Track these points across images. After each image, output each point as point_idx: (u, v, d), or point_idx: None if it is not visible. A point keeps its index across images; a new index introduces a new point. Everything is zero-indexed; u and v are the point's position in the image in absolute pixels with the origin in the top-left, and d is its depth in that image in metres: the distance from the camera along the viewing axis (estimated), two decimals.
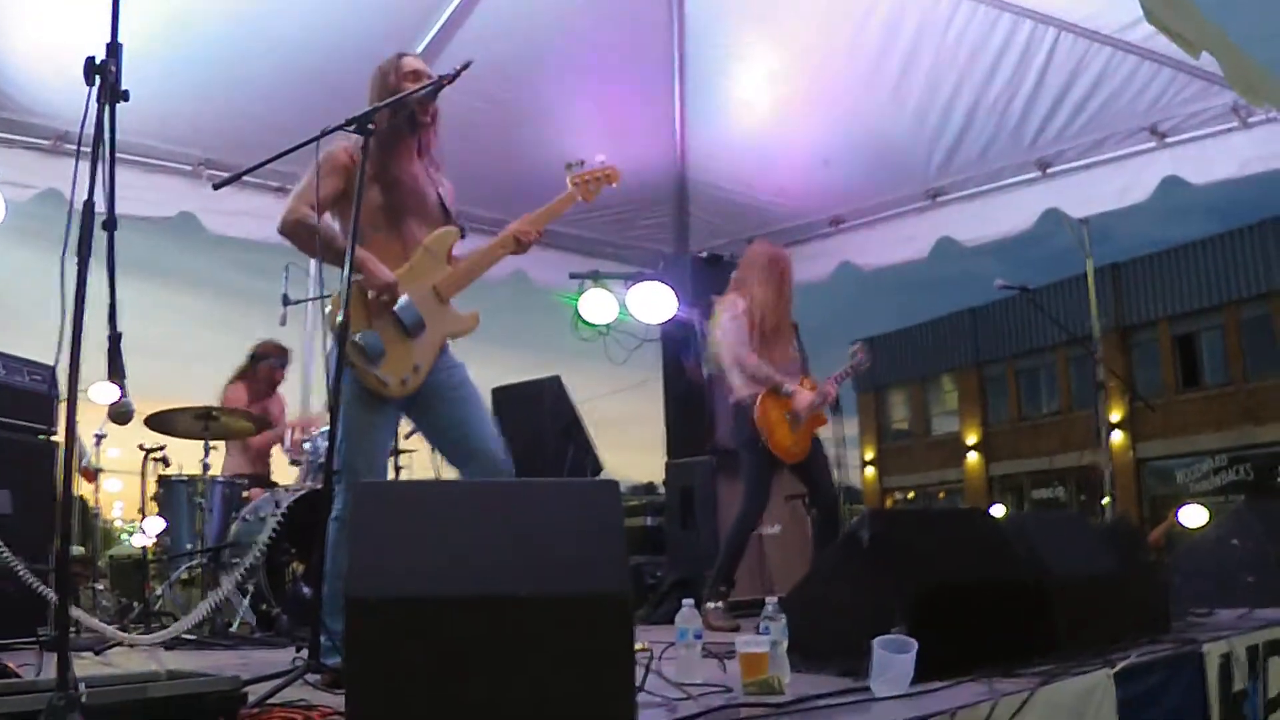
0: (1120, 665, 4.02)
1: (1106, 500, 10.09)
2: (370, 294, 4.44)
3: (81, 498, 9.45)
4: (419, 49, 7.53)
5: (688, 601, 4.12)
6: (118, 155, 7.32)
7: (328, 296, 4.67)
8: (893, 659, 3.53)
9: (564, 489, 3.27)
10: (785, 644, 3.95)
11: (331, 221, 4.60)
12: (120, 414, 2.94)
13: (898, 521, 5.30)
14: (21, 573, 4.23)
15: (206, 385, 8.65)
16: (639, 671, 3.11)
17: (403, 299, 4.54)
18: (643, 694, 3.38)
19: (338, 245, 4.44)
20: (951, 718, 3.14)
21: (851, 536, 4.42)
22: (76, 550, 9.83)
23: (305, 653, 3.84)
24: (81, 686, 2.43)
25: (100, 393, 8.67)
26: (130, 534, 7.68)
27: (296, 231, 4.52)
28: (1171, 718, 4.39)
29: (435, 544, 2.90)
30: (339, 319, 4.11)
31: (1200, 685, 4.65)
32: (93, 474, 9.04)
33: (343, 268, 4.36)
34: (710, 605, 6.72)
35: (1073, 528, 5.60)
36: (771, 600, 4.11)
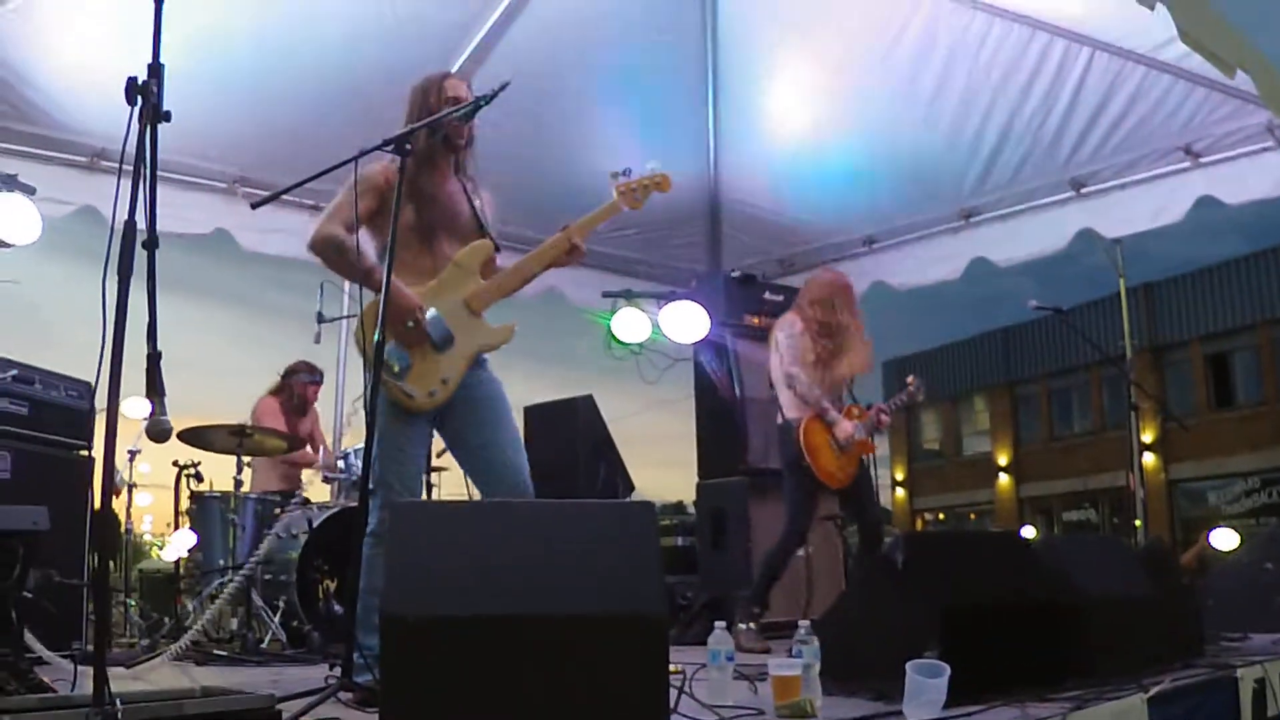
0: (1154, 690, 4.00)
1: (1139, 522, 10.02)
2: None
3: (113, 513, 9.49)
4: (454, 68, 7.57)
5: (720, 623, 4.10)
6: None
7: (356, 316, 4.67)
8: (926, 683, 3.52)
9: (601, 509, 3.27)
10: (818, 667, 3.94)
11: (367, 240, 4.63)
12: (159, 432, 2.95)
13: (931, 544, 5.28)
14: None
15: (240, 401, 8.73)
16: (672, 693, 3.10)
17: (431, 313, 4.53)
18: (676, 716, 3.37)
19: (364, 266, 4.47)
20: None
21: (885, 559, 4.42)
22: None
23: (338, 670, 3.85)
24: (118, 703, 2.45)
25: (133, 407, 8.73)
26: (160, 548, 7.72)
27: (325, 250, 4.54)
28: None
29: (472, 563, 2.91)
30: (375, 338, 4.11)
31: (1234, 710, 4.63)
32: (123, 489, 9.10)
33: (367, 287, 4.39)
34: (742, 626, 6.72)
35: (1106, 551, 5.57)
36: (804, 623, 4.10)
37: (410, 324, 4.44)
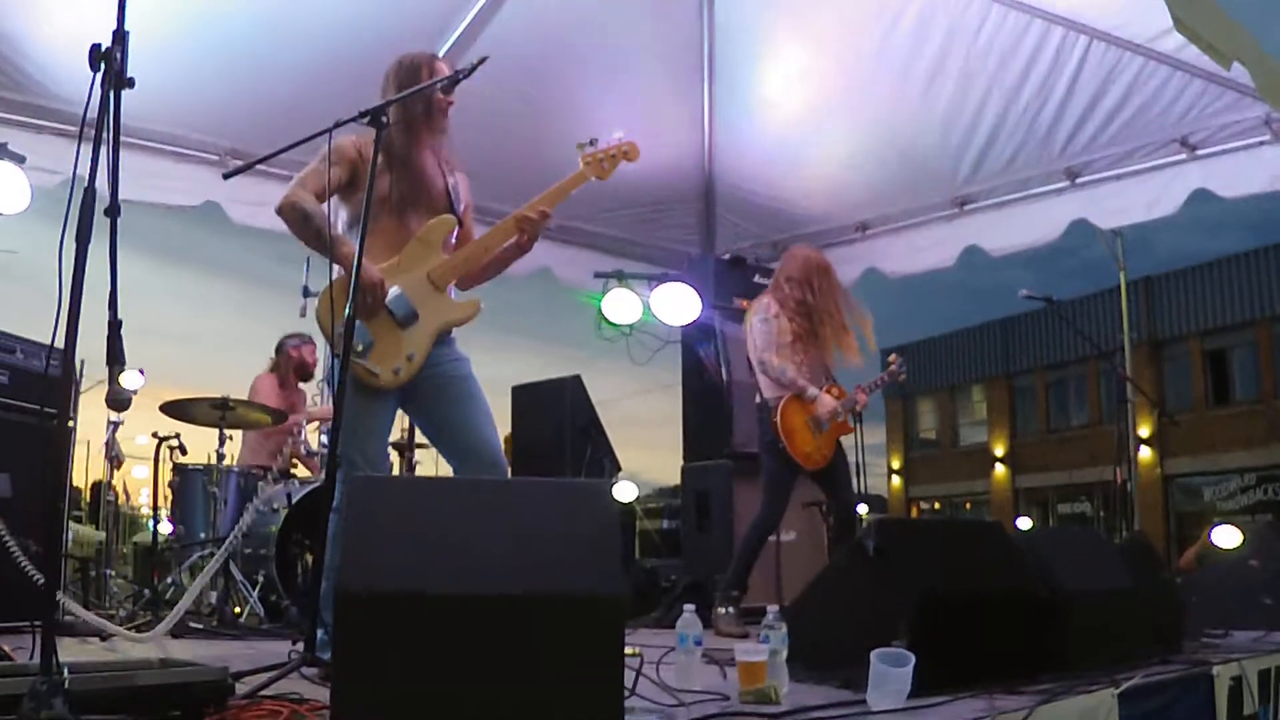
0: (1126, 685, 3.97)
1: (1134, 515, 10.00)
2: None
3: (111, 485, 9.52)
4: (447, 44, 7.55)
5: (689, 607, 4.08)
6: (145, 144, 7.33)
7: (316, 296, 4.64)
8: (889, 672, 3.50)
9: (560, 489, 3.24)
10: (785, 653, 3.92)
11: (339, 207, 4.59)
12: (118, 401, 2.94)
13: (906, 531, 5.25)
14: (15, 554, 4.23)
15: (233, 373, 8.77)
16: (630, 676, 3.08)
17: (393, 290, 4.51)
18: (636, 699, 3.36)
19: (328, 234, 4.41)
20: None
21: (858, 545, 4.39)
22: (97, 535, 9.89)
23: (301, 645, 3.83)
24: (65, 671, 2.43)
25: (127, 380, 8.68)
26: (156, 521, 7.74)
27: (291, 215, 4.48)
28: None
29: (429, 540, 2.88)
30: (345, 313, 4.08)
31: (1209, 708, 4.59)
32: (119, 461, 9.10)
33: (332, 259, 4.35)
34: (721, 611, 6.71)
35: (1087, 543, 5.55)
36: (773, 609, 4.07)
37: (369, 299, 4.39)
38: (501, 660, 2.77)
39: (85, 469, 14.35)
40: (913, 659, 3.51)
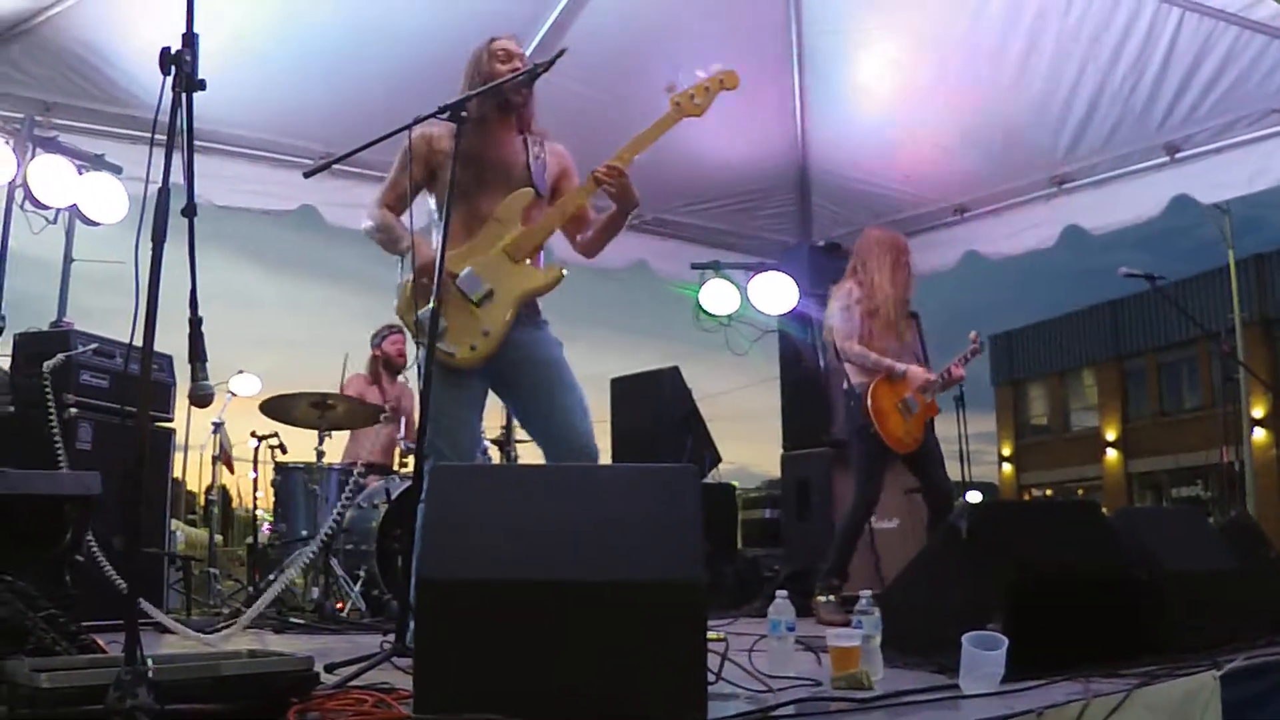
0: (1228, 667, 3.85)
1: (1249, 500, 9.79)
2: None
3: (224, 487, 9.71)
4: (534, 42, 7.56)
5: (781, 592, 4.05)
6: (240, 150, 7.49)
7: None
8: (982, 656, 3.44)
9: (642, 474, 3.21)
10: (878, 638, 3.88)
11: (426, 199, 4.78)
12: (199, 397, 2.98)
13: (999, 513, 5.18)
14: (98, 557, 4.34)
15: (333, 374, 8.74)
16: (715, 661, 3.07)
17: (464, 270, 4.54)
18: (724, 684, 3.33)
19: (403, 245, 4.59)
20: (1039, 717, 3.04)
21: (950, 528, 4.33)
22: (195, 535, 10.08)
23: (394, 637, 3.87)
24: (149, 662, 2.47)
25: (242, 384, 8.84)
26: (271, 522, 7.92)
27: (375, 236, 4.74)
28: None
29: (509, 527, 2.90)
30: (429, 305, 4.14)
31: None
32: (231, 463, 9.27)
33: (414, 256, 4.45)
34: (822, 599, 6.66)
35: (1187, 523, 5.42)
36: (866, 593, 4.03)
37: (424, 280, 4.42)
38: (582, 646, 2.78)
39: (199, 473, 14.64)
40: (1005, 642, 3.45)
